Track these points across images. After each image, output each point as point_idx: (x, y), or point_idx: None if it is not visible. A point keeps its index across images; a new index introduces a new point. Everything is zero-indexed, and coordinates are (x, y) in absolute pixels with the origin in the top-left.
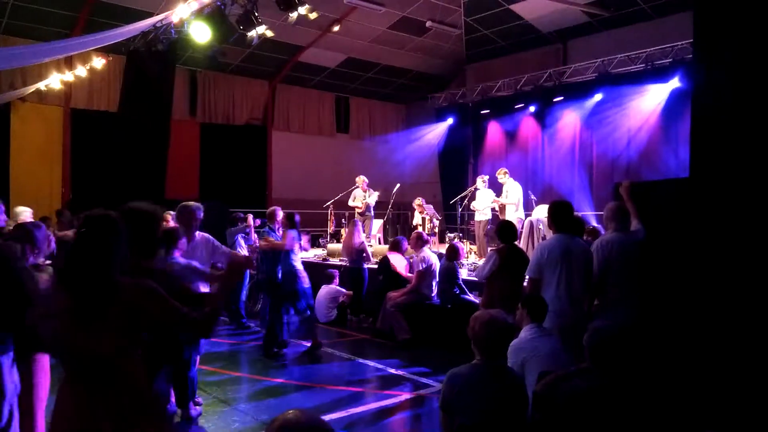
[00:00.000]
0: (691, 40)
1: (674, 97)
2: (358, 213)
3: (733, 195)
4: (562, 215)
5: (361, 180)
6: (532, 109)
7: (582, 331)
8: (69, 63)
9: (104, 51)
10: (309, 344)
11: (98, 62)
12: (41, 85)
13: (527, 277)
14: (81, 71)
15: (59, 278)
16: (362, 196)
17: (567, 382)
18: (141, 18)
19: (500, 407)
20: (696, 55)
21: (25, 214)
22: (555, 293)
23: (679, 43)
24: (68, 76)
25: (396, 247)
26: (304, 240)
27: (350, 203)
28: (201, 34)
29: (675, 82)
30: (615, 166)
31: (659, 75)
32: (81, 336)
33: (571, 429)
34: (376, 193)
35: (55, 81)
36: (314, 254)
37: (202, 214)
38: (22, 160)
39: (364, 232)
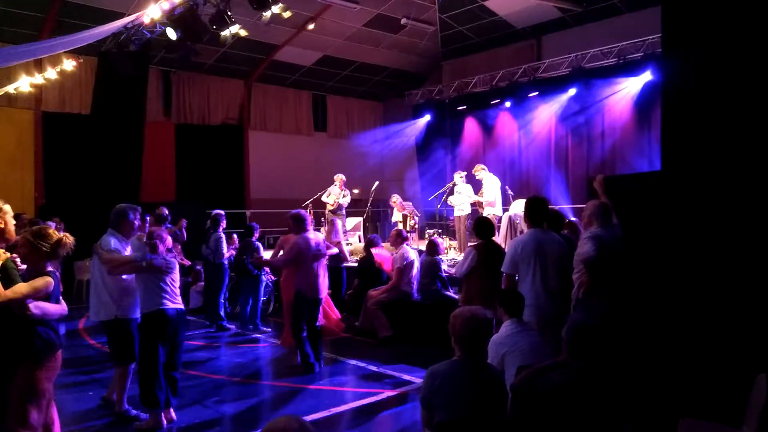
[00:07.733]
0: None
1: (647, 91)
2: (330, 211)
3: (703, 187)
4: (536, 210)
5: (340, 178)
6: (507, 104)
7: (561, 323)
8: (39, 65)
9: (75, 52)
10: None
11: (69, 64)
12: (10, 89)
13: (502, 272)
14: (51, 74)
15: None
16: (338, 194)
17: (543, 377)
18: (111, 18)
19: (479, 403)
20: (665, 48)
21: None
22: (531, 287)
23: (650, 37)
24: (38, 79)
25: (373, 244)
26: None
27: (324, 199)
28: (174, 34)
29: (647, 76)
30: (590, 159)
31: (631, 69)
32: None
33: (548, 423)
34: (349, 196)
35: (24, 84)
36: None
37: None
38: None
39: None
